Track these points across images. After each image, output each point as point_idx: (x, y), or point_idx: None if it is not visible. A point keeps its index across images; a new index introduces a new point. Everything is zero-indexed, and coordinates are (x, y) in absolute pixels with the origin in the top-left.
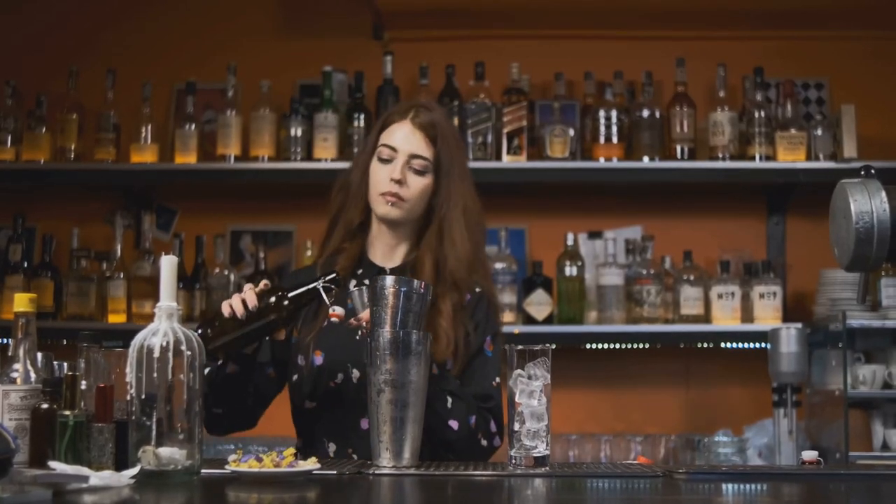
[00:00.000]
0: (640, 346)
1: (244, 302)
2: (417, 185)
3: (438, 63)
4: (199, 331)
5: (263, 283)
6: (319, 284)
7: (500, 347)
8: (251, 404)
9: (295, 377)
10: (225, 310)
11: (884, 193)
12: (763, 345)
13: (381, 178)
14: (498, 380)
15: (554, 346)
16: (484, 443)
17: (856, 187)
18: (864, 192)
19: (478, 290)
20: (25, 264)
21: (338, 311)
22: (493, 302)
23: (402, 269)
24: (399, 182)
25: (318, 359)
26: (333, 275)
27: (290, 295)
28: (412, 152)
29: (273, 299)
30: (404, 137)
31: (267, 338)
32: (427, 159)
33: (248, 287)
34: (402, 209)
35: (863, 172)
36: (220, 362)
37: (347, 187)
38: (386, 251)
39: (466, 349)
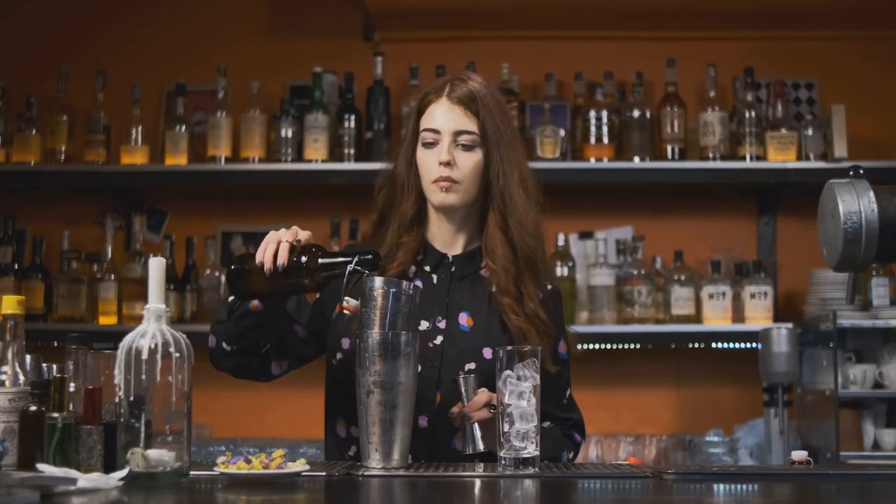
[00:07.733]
0: (631, 346)
1: (276, 256)
2: (468, 162)
3: (429, 64)
4: (230, 272)
5: (306, 235)
6: (352, 265)
7: (574, 348)
8: (267, 352)
9: (339, 356)
10: (258, 256)
11: (872, 193)
12: (754, 345)
13: (429, 164)
14: (569, 390)
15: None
16: (572, 455)
17: (844, 187)
18: (853, 192)
19: (549, 286)
20: (16, 266)
21: (351, 303)
22: (562, 297)
23: (474, 255)
24: (448, 164)
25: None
26: (370, 256)
27: (322, 262)
28: (456, 129)
29: (305, 259)
30: (444, 116)
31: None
32: (473, 132)
33: (288, 234)
34: (457, 193)
35: (851, 172)
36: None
37: (394, 182)
38: (447, 238)
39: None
